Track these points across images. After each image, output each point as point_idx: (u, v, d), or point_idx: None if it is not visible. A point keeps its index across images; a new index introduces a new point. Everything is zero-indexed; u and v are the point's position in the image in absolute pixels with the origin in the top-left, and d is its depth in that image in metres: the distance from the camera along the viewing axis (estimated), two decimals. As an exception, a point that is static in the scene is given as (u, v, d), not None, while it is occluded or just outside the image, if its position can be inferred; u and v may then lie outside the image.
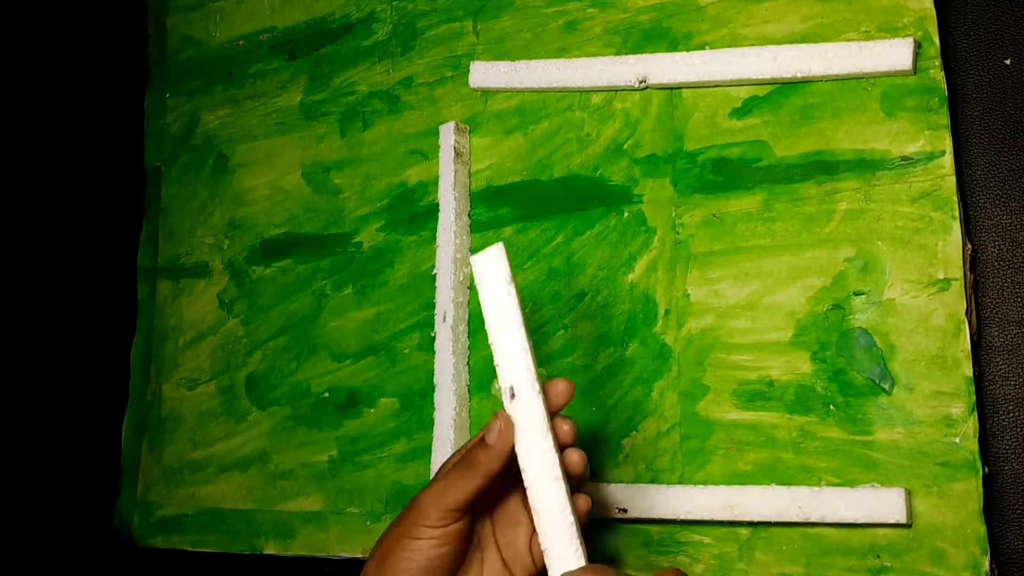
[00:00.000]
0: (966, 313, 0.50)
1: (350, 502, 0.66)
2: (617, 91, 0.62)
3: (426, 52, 0.69)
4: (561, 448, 0.45)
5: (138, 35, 0.85)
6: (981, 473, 0.49)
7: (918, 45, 0.53)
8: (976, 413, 0.49)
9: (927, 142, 0.53)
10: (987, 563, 0.48)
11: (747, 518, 0.52)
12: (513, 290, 0.46)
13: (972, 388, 0.50)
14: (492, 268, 0.46)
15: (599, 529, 0.57)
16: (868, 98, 0.54)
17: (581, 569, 0.41)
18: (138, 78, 0.84)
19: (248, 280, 0.74)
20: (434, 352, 0.63)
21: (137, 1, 0.85)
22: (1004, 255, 0.52)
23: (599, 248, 0.61)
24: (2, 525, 0.81)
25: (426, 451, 0.63)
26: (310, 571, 0.68)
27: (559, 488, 0.44)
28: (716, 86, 0.58)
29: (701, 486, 0.54)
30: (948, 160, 0.52)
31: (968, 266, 0.51)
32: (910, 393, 0.51)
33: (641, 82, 0.60)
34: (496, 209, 0.65)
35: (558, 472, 0.44)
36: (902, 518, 0.49)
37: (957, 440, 0.49)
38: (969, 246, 0.52)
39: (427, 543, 0.45)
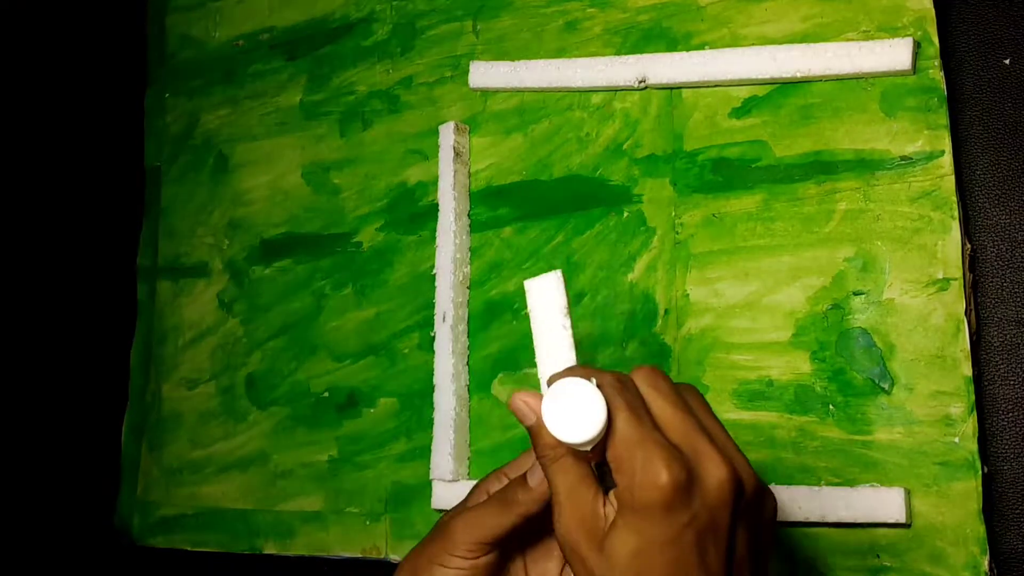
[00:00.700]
0: (965, 313, 0.50)
1: (350, 502, 0.66)
2: (617, 91, 0.62)
3: (426, 52, 0.69)
4: None
5: (138, 35, 0.85)
6: (980, 473, 0.49)
7: (917, 45, 0.53)
8: (975, 413, 0.49)
9: (926, 142, 0.53)
10: (986, 563, 0.48)
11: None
12: (569, 323, 0.42)
13: (971, 388, 0.50)
14: (548, 296, 0.42)
15: None
16: (868, 98, 0.54)
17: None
18: (138, 78, 0.84)
19: (248, 280, 0.74)
20: (434, 352, 0.63)
21: (137, 1, 0.85)
22: (1003, 255, 0.52)
23: (599, 248, 0.61)
24: (2, 525, 0.81)
25: (426, 451, 0.63)
26: (310, 571, 0.68)
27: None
28: (716, 86, 0.58)
29: (701, 486, 0.54)
30: (947, 160, 0.52)
31: (967, 266, 0.51)
32: (909, 393, 0.51)
33: (641, 82, 0.60)
34: (496, 209, 0.65)
35: None
36: (901, 518, 0.49)
37: (956, 440, 0.49)
38: (968, 246, 0.52)
39: (455, 573, 0.44)
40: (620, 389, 0.37)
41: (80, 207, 0.86)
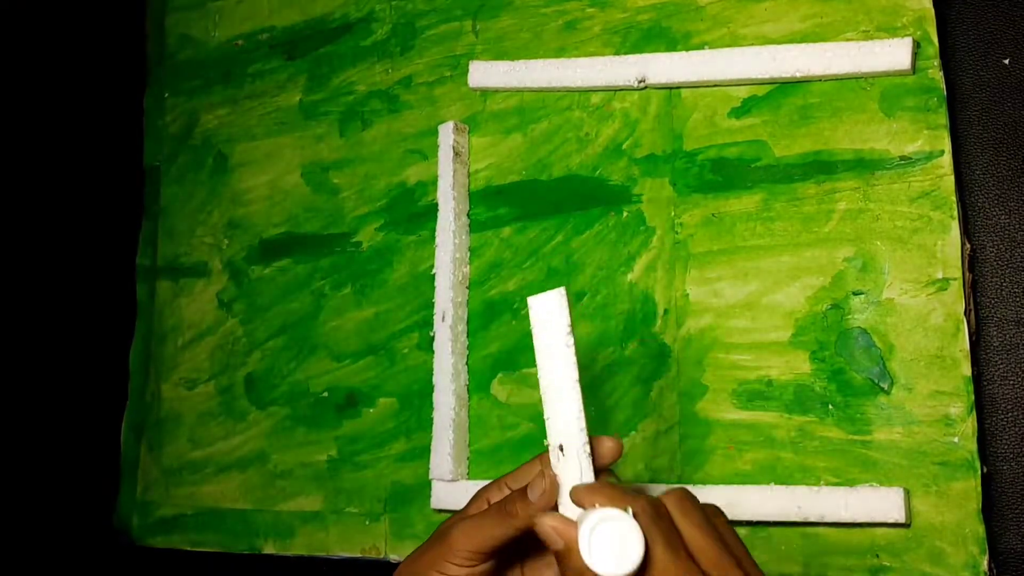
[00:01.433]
0: (965, 313, 0.50)
1: (349, 502, 0.66)
2: (616, 91, 0.62)
3: (425, 52, 0.69)
4: None
5: (137, 35, 0.85)
6: (980, 473, 0.49)
7: (917, 45, 0.53)
8: (975, 413, 0.49)
9: (926, 142, 0.53)
10: (985, 562, 0.48)
11: (746, 518, 0.52)
12: (572, 341, 0.43)
13: (971, 388, 0.50)
14: (551, 314, 0.43)
15: (598, 529, 0.57)
16: (867, 98, 0.54)
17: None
18: (137, 78, 0.84)
19: (247, 280, 0.74)
20: (433, 352, 0.63)
21: (136, 1, 0.85)
22: (1003, 255, 0.52)
23: (598, 248, 0.61)
24: (2, 525, 0.81)
25: (425, 451, 0.63)
26: (309, 571, 0.68)
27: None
28: (715, 86, 0.58)
29: (700, 486, 0.54)
30: (947, 160, 0.52)
31: (967, 266, 0.51)
32: (909, 393, 0.51)
33: (640, 82, 0.60)
34: (495, 209, 0.65)
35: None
36: (901, 518, 0.49)
37: (956, 440, 0.49)
38: (968, 246, 0.52)
39: None
40: (655, 517, 0.38)
41: (80, 207, 0.86)
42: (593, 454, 0.43)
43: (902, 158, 0.53)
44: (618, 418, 0.58)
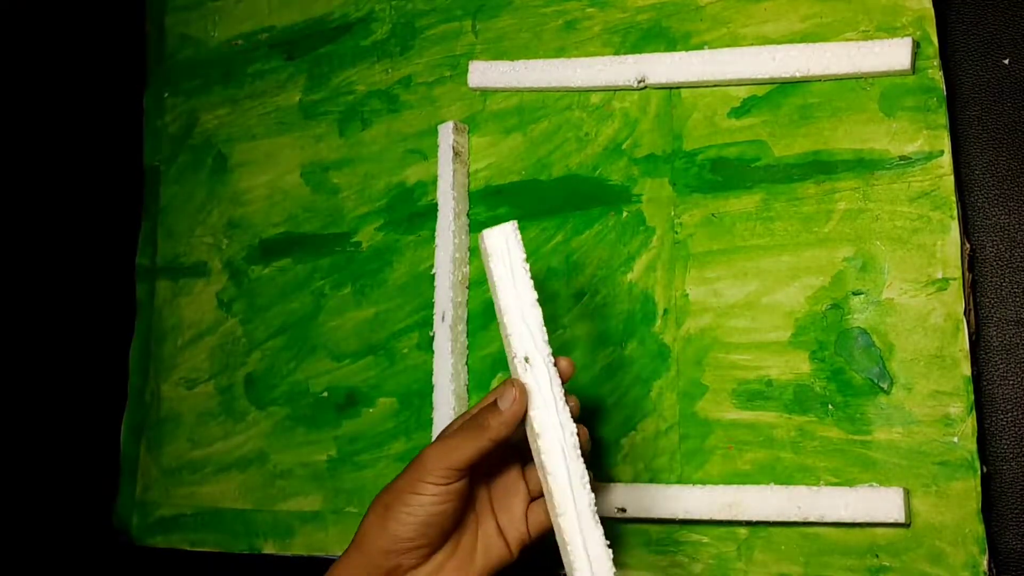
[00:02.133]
0: (964, 313, 0.50)
1: (349, 502, 0.66)
2: (616, 91, 0.62)
3: (425, 52, 0.69)
4: None
5: (137, 34, 0.85)
6: (979, 472, 0.49)
7: (916, 45, 0.53)
8: (974, 412, 0.49)
9: (925, 142, 0.53)
10: (985, 562, 0.48)
11: (746, 518, 0.52)
12: (527, 266, 0.47)
13: (970, 387, 0.50)
14: (507, 243, 0.48)
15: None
16: (867, 98, 0.54)
17: None
18: (137, 77, 0.84)
19: (247, 280, 0.74)
20: (433, 352, 0.63)
21: (136, 1, 0.85)
22: (1002, 254, 0.52)
23: (598, 247, 0.61)
24: (2, 525, 0.81)
25: (425, 451, 0.63)
26: (309, 571, 0.68)
27: (577, 456, 0.45)
28: (715, 86, 0.58)
29: (700, 486, 0.54)
30: (946, 160, 0.52)
31: (966, 265, 0.51)
32: (909, 393, 0.51)
33: (640, 82, 0.60)
34: (495, 208, 0.65)
35: (576, 440, 0.45)
36: (900, 518, 0.49)
37: (955, 440, 0.49)
38: (967, 245, 0.52)
39: (428, 499, 0.46)
40: None
41: (79, 207, 0.86)
42: None
43: (902, 158, 0.53)
44: (618, 418, 0.58)
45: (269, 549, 0.68)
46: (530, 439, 0.46)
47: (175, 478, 0.74)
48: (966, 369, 0.50)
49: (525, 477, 0.50)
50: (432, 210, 0.66)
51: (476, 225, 0.65)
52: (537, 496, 0.49)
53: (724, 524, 0.54)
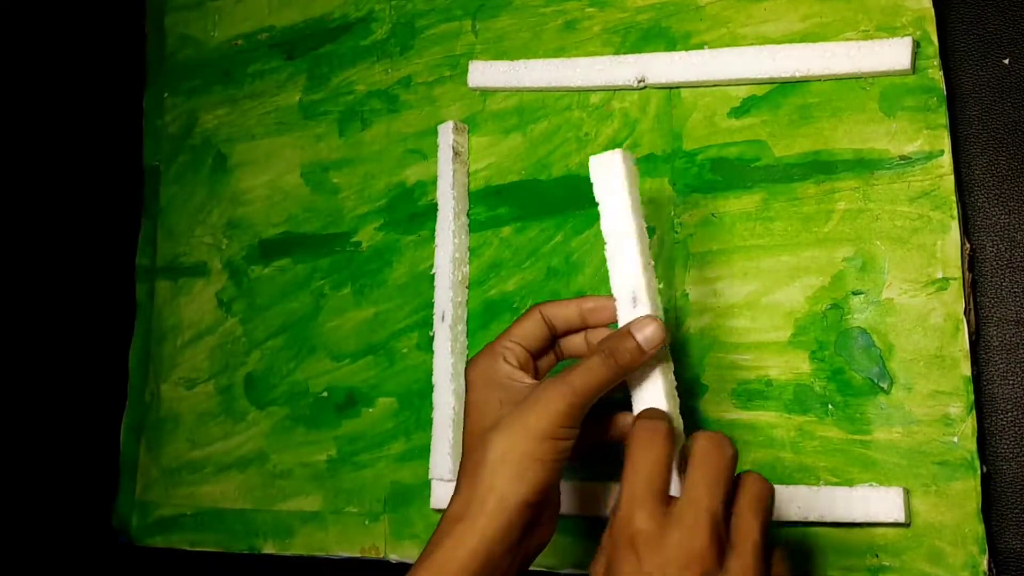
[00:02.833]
0: (964, 312, 0.50)
1: (349, 502, 0.66)
2: (615, 91, 0.62)
3: (425, 51, 0.69)
4: None
5: (136, 34, 0.85)
6: (979, 472, 0.49)
7: (916, 44, 0.53)
8: (974, 412, 0.49)
9: (925, 142, 0.53)
10: (985, 562, 0.48)
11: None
12: (638, 195, 0.46)
13: (970, 387, 0.50)
14: (618, 171, 0.47)
15: (597, 528, 0.57)
16: (867, 98, 0.54)
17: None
18: (136, 77, 0.84)
19: (247, 280, 0.74)
20: (432, 352, 0.63)
21: (135, 0, 0.85)
22: (1002, 254, 0.52)
23: (598, 248, 0.61)
24: (2, 525, 0.81)
25: (424, 451, 0.63)
26: (309, 571, 0.68)
27: (675, 407, 0.45)
28: (715, 86, 0.58)
29: (700, 485, 0.53)
30: (947, 159, 0.52)
31: (966, 265, 0.51)
32: (908, 392, 0.51)
33: (640, 82, 0.60)
34: (495, 208, 0.65)
35: (674, 390, 0.46)
36: (900, 517, 0.49)
37: (955, 439, 0.49)
38: (967, 245, 0.52)
39: (566, 443, 0.43)
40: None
41: (79, 207, 0.86)
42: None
43: (902, 158, 0.53)
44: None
45: (269, 549, 0.68)
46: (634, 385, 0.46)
47: (175, 478, 0.74)
48: (966, 369, 0.50)
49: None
50: (432, 210, 0.66)
51: (476, 225, 0.65)
52: None
53: (724, 524, 0.54)
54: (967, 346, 0.50)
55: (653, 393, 0.45)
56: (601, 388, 0.44)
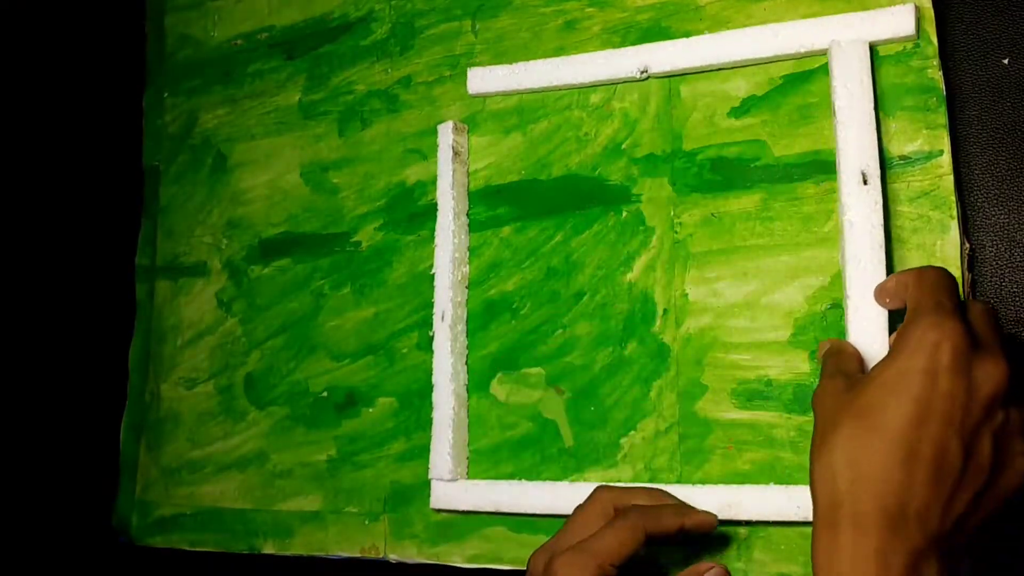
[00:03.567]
0: (964, 312, 0.50)
1: (349, 502, 0.66)
2: (618, 84, 0.62)
3: (424, 51, 0.69)
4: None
5: (136, 34, 0.85)
6: (979, 472, 0.49)
7: (919, 11, 0.53)
8: (974, 412, 0.49)
9: (925, 142, 0.53)
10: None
11: (745, 517, 0.52)
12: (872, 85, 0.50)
13: (970, 387, 0.49)
14: (858, 57, 0.49)
15: (598, 528, 0.57)
16: (866, 98, 0.54)
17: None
18: (136, 77, 0.84)
19: (246, 279, 0.74)
20: (432, 352, 0.63)
21: (135, 0, 0.85)
22: (1002, 254, 0.52)
23: (597, 247, 0.61)
24: (1, 524, 0.81)
25: (424, 451, 0.63)
26: (309, 571, 0.68)
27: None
28: (719, 69, 0.58)
29: (699, 485, 0.54)
30: (946, 160, 0.52)
31: (966, 265, 0.51)
32: (908, 392, 0.51)
33: (643, 72, 0.60)
34: (494, 208, 0.65)
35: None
36: (900, 517, 0.49)
37: (955, 439, 0.49)
38: (967, 245, 0.52)
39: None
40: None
41: (78, 207, 0.86)
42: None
43: (901, 158, 0.53)
44: (617, 418, 0.58)
45: (269, 549, 0.68)
46: None
47: (175, 478, 0.74)
48: (966, 369, 0.50)
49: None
50: (432, 210, 0.66)
51: (476, 225, 0.65)
52: None
53: (724, 524, 0.54)
54: (967, 346, 0.50)
55: None
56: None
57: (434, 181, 0.66)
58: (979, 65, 0.54)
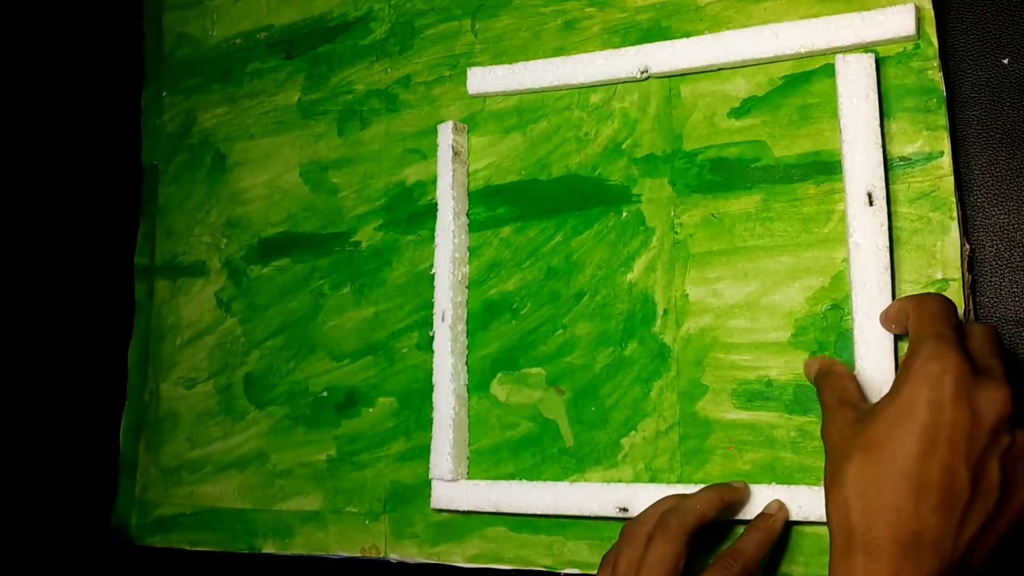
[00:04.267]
0: (964, 313, 0.50)
1: (348, 501, 0.66)
2: (618, 84, 0.62)
3: (424, 51, 0.69)
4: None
5: (135, 33, 0.84)
6: (979, 473, 0.49)
7: (919, 11, 0.53)
8: (974, 413, 0.49)
9: (925, 142, 0.53)
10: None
11: (746, 517, 0.52)
12: (878, 101, 0.50)
13: (970, 388, 0.50)
14: (864, 74, 0.49)
15: (597, 529, 0.57)
16: (867, 98, 0.54)
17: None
18: (135, 76, 0.83)
19: (246, 279, 0.74)
20: (432, 351, 0.63)
21: (133, -1, 0.85)
22: (1002, 255, 0.52)
23: (598, 248, 0.61)
24: (1, 525, 0.80)
25: (425, 451, 0.63)
26: (309, 570, 0.68)
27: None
28: (719, 69, 0.58)
29: (700, 486, 0.54)
30: (946, 160, 0.52)
31: (966, 266, 0.51)
32: (908, 393, 0.51)
33: (643, 72, 0.60)
34: (494, 208, 0.65)
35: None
36: (900, 517, 0.49)
37: (955, 440, 0.49)
38: (967, 246, 0.52)
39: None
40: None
41: (77, 206, 0.85)
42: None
43: (901, 159, 0.53)
44: (618, 418, 0.58)
45: (269, 549, 0.68)
46: None
47: (174, 478, 0.74)
48: (966, 369, 0.50)
49: None
50: (432, 210, 0.66)
51: (476, 225, 0.65)
52: None
53: (723, 523, 0.54)
54: (967, 347, 0.50)
55: None
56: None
57: (434, 181, 0.66)
58: (979, 65, 0.54)
